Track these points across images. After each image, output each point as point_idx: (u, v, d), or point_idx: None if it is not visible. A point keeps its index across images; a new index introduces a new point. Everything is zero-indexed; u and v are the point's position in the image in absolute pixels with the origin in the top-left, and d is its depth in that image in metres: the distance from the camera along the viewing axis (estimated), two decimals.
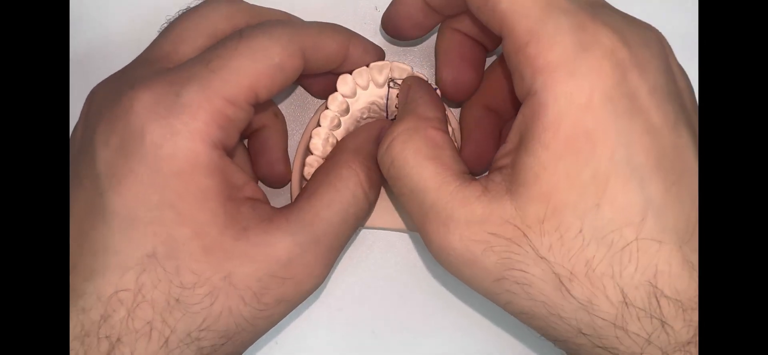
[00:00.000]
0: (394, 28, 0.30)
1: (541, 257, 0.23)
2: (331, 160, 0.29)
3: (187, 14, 0.28)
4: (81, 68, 0.32)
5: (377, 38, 0.33)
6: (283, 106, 0.33)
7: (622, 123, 0.22)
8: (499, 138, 0.30)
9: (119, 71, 0.27)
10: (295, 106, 0.33)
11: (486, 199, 0.24)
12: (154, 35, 0.28)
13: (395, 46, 0.33)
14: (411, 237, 0.33)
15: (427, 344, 0.33)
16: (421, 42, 0.33)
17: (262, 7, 0.29)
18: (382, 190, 0.32)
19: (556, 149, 0.22)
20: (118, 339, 0.23)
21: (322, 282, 0.27)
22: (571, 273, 0.22)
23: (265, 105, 0.31)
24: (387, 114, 0.31)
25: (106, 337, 0.23)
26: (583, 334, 0.23)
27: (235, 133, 0.25)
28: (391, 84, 0.30)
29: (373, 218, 0.32)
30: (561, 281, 0.23)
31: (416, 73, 0.30)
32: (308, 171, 0.30)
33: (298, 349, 0.33)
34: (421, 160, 0.25)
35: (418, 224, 0.25)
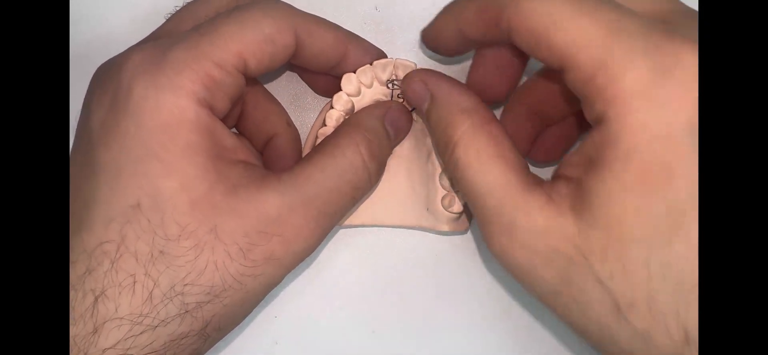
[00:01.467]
0: (433, 47, 0.29)
1: (601, 282, 0.22)
2: (332, 134, 0.28)
3: (192, 1, 0.28)
4: (81, 68, 0.32)
5: (377, 38, 0.33)
6: (287, 106, 0.33)
7: None
8: (535, 142, 0.30)
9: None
10: (296, 107, 0.33)
11: (549, 211, 0.23)
12: None
13: (396, 48, 0.33)
14: (412, 236, 0.33)
15: (427, 344, 0.33)
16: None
17: None
18: (386, 188, 0.32)
19: (626, 181, 0.21)
20: (103, 292, 0.23)
21: (315, 246, 0.26)
22: (631, 303, 0.22)
23: (278, 113, 0.31)
24: None
25: (91, 290, 0.23)
26: None
27: (224, 98, 0.25)
28: (390, 85, 0.30)
29: (376, 215, 0.32)
30: (619, 308, 0.22)
31: (420, 69, 0.30)
32: None
33: (298, 349, 0.33)
34: (484, 161, 0.25)
35: (480, 224, 0.25)
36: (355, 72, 0.29)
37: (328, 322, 0.33)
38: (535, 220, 0.23)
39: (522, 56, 0.29)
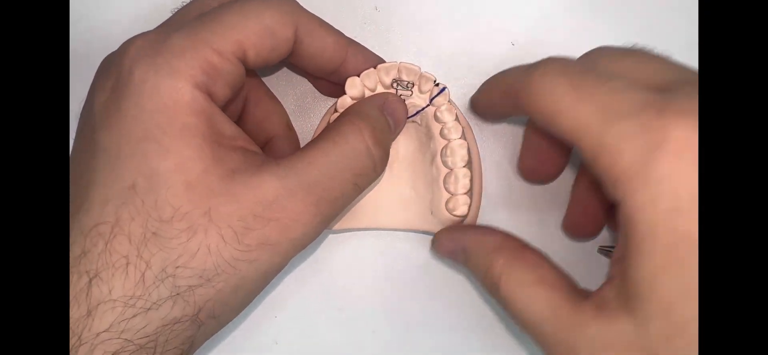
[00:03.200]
0: (477, 115, 0.32)
1: None
2: (334, 122, 0.28)
3: None
4: (81, 68, 0.32)
5: (378, 39, 0.33)
6: (289, 108, 0.33)
7: None
8: (606, 204, 0.30)
9: None
10: (299, 108, 0.33)
11: (602, 321, 0.23)
12: None
13: (395, 48, 0.33)
14: (411, 237, 0.33)
15: (427, 344, 0.33)
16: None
17: None
18: (390, 192, 0.32)
19: (659, 260, 0.21)
20: (97, 274, 0.23)
21: (315, 234, 0.26)
22: None
23: (279, 114, 0.31)
24: None
25: (86, 272, 0.23)
26: None
27: (224, 85, 0.25)
28: (395, 85, 0.30)
29: (380, 219, 0.32)
30: None
31: (424, 73, 0.30)
32: None
33: (298, 349, 0.33)
34: (527, 291, 0.25)
35: (545, 351, 0.25)
36: (359, 76, 0.29)
37: (328, 322, 0.33)
38: (593, 337, 0.23)
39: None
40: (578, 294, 0.25)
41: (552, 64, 0.25)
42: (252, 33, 0.25)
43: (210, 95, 0.25)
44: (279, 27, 0.26)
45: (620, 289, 0.23)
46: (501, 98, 0.28)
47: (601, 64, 0.25)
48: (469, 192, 0.30)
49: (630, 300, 0.22)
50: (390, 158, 0.31)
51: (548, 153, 0.30)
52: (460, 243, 0.29)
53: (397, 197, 0.32)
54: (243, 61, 0.26)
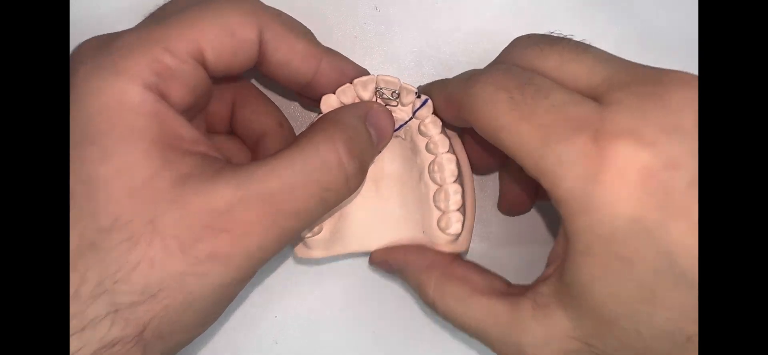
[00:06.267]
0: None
1: None
2: (307, 129, 0.26)
3: None
4: None
5: (377, 39, 0.33)
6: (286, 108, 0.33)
7: (657, 236, 0.21)
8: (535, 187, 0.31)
9: None
10: (296, 109, 0.33)
11: (541, 317, 0.24)
12: None
13: (395, 48, 0.33)
14: None
15: (428, 345, 0.33)
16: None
17: None
18: (379, 213, 0.30)
19: (594, 273, 0.22)
20: None
21: (274, 248, 0.23)
22: None
23: (268, 112, 0.29)
24: None
25: None
26: None
27: (180, 88, 0.24)
28: (378, 94, 0.28)
29: (371, 242, 0.30)
30: None
31: (404, 84, 0.28)
32: None
33: (298, 349, 0.33)
34: (463, 302, 0.26)
35: (494, 350, 0.26)
36: (334, 93, 0.28)
37: (328, 323, 0.33)
38: (534, 333, 0.24)
39: None
40: (512, 293, 0.26)
41: (490, 77, 0.24)
42: (209, 32, 0.24)
43: (164, 97, 0.23)
44: (239, 27, 0.24)
45: (557, 287, 0.24)
46: (445, 105, 0.27)
47: (535, 64, 0.25)
48: (462, 208, 0.29)
49: (565, 298, 0.23)
50: (376, 177, 0.30)
51: (521, 194, 0.31)
52: (393, 265, 0.29)
53: (386, 217, 0.30)
54: (201, 63, 0.24)
